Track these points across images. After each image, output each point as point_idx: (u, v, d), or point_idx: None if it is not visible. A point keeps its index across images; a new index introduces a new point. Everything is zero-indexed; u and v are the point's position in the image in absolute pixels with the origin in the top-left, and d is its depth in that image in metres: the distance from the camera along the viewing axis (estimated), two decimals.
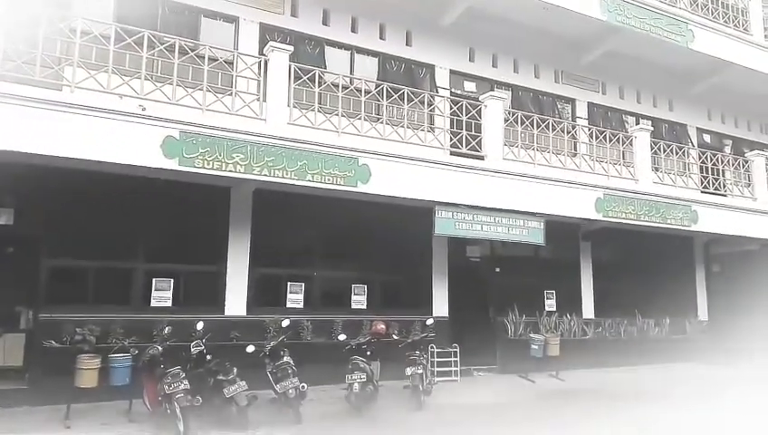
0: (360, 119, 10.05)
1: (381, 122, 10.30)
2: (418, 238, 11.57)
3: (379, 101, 10.60)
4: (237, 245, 10.14)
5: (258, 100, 9.27)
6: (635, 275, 14.88)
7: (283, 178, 8.91)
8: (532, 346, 11.74)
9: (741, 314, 15.81)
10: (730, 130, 17.91)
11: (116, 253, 9.42)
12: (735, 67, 15.19)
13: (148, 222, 9.54)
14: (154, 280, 9.47)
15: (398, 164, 9.95)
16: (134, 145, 7.95)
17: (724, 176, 14.92)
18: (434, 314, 11.46)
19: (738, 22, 15.56)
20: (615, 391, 11.07)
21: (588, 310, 14.04)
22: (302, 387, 7.83)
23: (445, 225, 10.60)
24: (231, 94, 9.17)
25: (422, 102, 10.87)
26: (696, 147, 15.95)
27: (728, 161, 15.18)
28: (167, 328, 8.12)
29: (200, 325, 8.23)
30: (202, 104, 8.68)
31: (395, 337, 10.17)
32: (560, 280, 13.88)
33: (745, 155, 15.63)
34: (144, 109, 8.13)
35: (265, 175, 8.79)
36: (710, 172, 14.48)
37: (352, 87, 10.47)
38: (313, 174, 9.14)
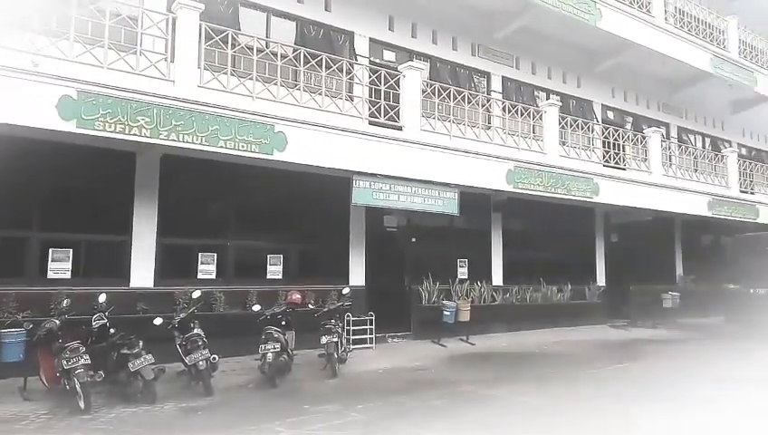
0: (275, 84, 9.74)
1: (298, 89, 10.04)
2: (336, 208, 11.50)
3: (296, 66, 10.31)
4: (143, 213, 9.65)
5: (166, 60, 8.74)
6: (541, 243, 15.70)
7: (193, 143, 8.51)
8: (445, 313, 12.13)
9: (635, 280, 17.16)
10: (631, 108, 19.05)
11: (8, 221, 8.67)
12: (638, 47, 16.07)
13: (43, 188, 8.87)
14: (51, 250, 8.84)
15: (316, 132, 9.78)
16: (26, 105, 7.27)
17: (624, 151, 15.86)
18: (350, 284, 11.56)
19: (642, 3, 16.40)
20: (520, 352, 11.75)
21: (497, 277, 14.65)
22: (213, 359, 7.67)
23: (362, 194, 10.60)
24: (136, 53, 8.57)
25: (341, 70, 10.67)
26: (600, 122, 16.83)
27: (628, 137, 16.18)
28: (65, 301, 7.66)
29: (102, 298, 7.82)
30: (103, 62, 8.05)
31: (311, 307, 10.12)
32: (472, 249, 14.37)
33: (643, 132, 16.71)
34: (37, 65, 7.43)
35: (173, 140, 8.35)
36: (612, 147, 15.37)
37: (268, 51, 10.08)
38: (226, 140, 8.79)
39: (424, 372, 9.60)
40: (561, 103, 15.12)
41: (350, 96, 11.12)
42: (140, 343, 7.17)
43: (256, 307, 9.09)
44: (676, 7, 17.45)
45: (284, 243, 11.29)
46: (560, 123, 14.19)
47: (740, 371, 9.55)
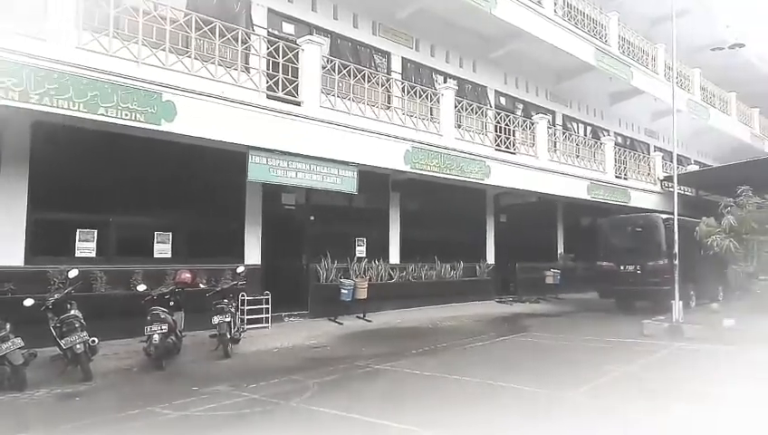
0: (164, 50, 9.14)
1: (189, 56, 9.49)
2: (231, 183, 11.08)
3: (187, 32, 9.70)
4: (11, 185, 8.75)
5: (39, 17, 7.89)
6: (436, 223, 16.18)
7: (69, 109, 7.79)
8: (343, 291, 12.17)
9: (522, 258, 18.20)
10: (522, 95, 20.01)
11: None
12: (529, 36, 16.85)
13: None
14: None
15: (208, 103, 9.31)
16: None
17: (514, 135, 16.65)
18: (246, 262, 11.25)
19: None
20: (415, 327, 12.10)
21: (395, 255, 14.93)
22: (93, 341, 7.17)
23: (258, 170, 10.28)
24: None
25: (236, 40, 10.20)
26: (493, 108, 17.53)
27: (518, 123, 16.99)
28: None
29: None
30: None
31: (202, 286, 9.77)
32: (370, 228, 14.50)
33: (532, 118, 17.62)
34: None
35: (47, 105, 7.61)
36: (503, 132, 16.08)
37: (155, 13, 9.40)
38: (107, 107, 8.14)
39: (320, 349, 9.60)
40: (457, 87, 15.54)
41: (246, 67, 10.71)
42: (8, 326, 6.55)
43: (141, 287, 8.58)
44: (564, 0, 18.44)
45: (174, 219, 10.72)
46: (456, 107, 14.60)
47: (608, 338, 10.46)
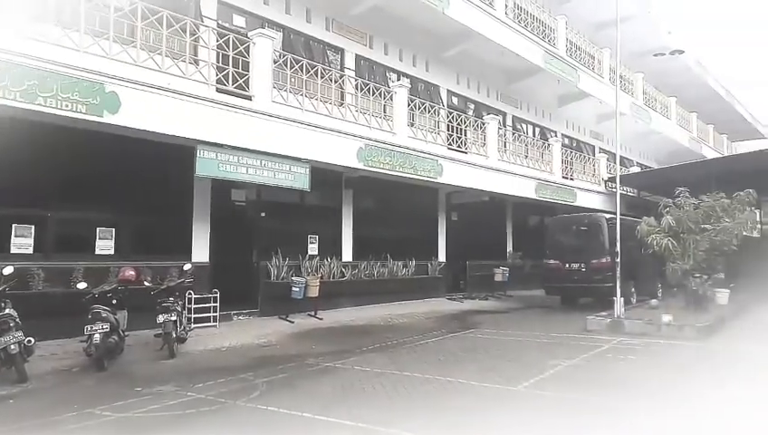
0: (108, 39, 8.80)
1: (135, 47, 9.19)
2: (178, 179, 10.81)
3: (132, 21, 9.39)
4: None
5: None
6: (389, 221, 16.25)
7: (4, 98, 7.42)
8: (294, 288, 12.05)
9: (472, 256, 18.49)
10: (473, 95, 20.32)
11: None
12: (481, 37, 17.11)
13: None
14: None
15: (155, 96, 9.05)
16: None
17: (465, 135, 16.90)
18: (193, 260, 11.00)
19: None
20: (367, 325, 12.11)
21: (347, 253, 14.90)
22: (29, 342, 6.86)
23: (207, 165, 10.06)
24: None
25: (184, 31, 9.93)
26: (445, 107, 17.72)
27: (470, 123, 17.24)
28: None
29: None
30: None
31: (147, 284, 9.48)
32: (323, 225, 14.43)
33: (483, 118, 17.92)
34: None
35: None
36: (455, 131, 16.29)
37: (99, 1, 9.04)
38: (46, 97, 7.80)
39: (270, 348, 9.49)
40: (410, 86, 15.62)
41: (194, 60, 10.45)
42: None
43: (82, 285, 8.27)
44: (515, 2, 18.82)
45: (118, 215, 10.37)
46: (409, 105, 14.69)
47: (553, 333, 10.76)
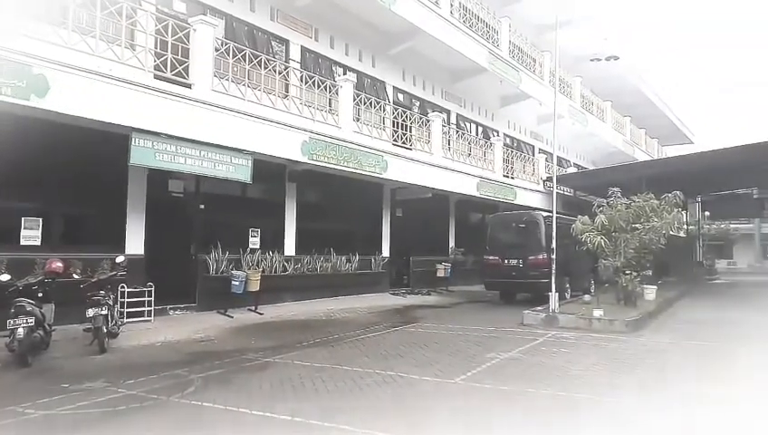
0: (36, 20, 8.31)
1: (66, 28, 8.71)
2: (112, 167, 10.36)
3: (64, 1, 8.89)
4: None
5: None
6: (333, 215, 16.17)
7: None
8: (234, 283, 11.80)
9: (415, 251, 18.67)
10: (419, 92, 20.47)
11: None
12: (426, 35, 17.25)
13: None
14: None
15: (87, 80, 8.61)
16: None
17: (410, 132, 17.02)
18: (127, 252, 10.58)
19: None
20: (308, 319, 12.01)
21: (290, 247, 14.72)
22: None
23: (142, 154, 9.67)
24: None
25: (119, 14, 9.51)
26: (391, 103, 17.78)
27: (415, 119, 17.37)
28: None
29: None
30: None
31: (76, 277, 9.04)
32: (265, 218, 14.20)
33: (428, 115, 18.10)
34: None
35: None
36: (400, 127, 16.38)
37: None
38: None
39: (207, 343, 9.25)
40: (356, 81, 15.58)
41: (131, 44, 10.01)
42: None
43: (5, 277, 7.78)
44: (460, 2, 19.08)
45: (46, 204, 9.85)
46: (354, 100, 14.65)
47: (492, 327, 11.02)
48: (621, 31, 28.49)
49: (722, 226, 48.68)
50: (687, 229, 34.31)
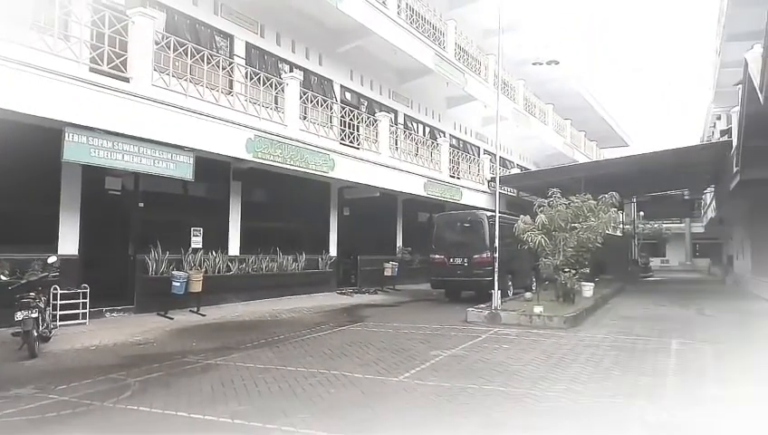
0: None
1: None
2: (44, 163, 9.87)
3: None
4: None
5: None
6: (279, 214, 15.99)
7: None
8: (174, 283, 11.48)
9: (363, 251, 18.67)
10: (366, 92, 20.51)
11: None
12: (374, 35, 17.29)
13: None
14: None
15: (16, 71, 8.18)
16: None
17: (358, 131, 17.03)
18: (60, 252, 10.12)
19: None
20: (253, 320, 11.82)
21: (234, 247, 14.45)
22: None
23: (76, 150, 9.28)
24: None
25: (52, 3, 9.07)
26: (338, 102, 17.73)
27: (362, 119, 17.38)
28: None
29: None
30: None
31: (4, 278, 8.57)
32: (208, 217, 13.88)
33: (375, 115, 18.15)
34: None
35: None
36: (348, 126, 16.35)
37: None
38: None
39: (146, 346, 8.96)
40: (303, 78, 15.46)
41: (65, 35, 9.57)
42: None
43: None
44: (407, 4, 19.22)
45: None
46: (301, 98, 14.52)
47: (436, 325, 11.18)
48: (562, 37, 29.39)
49: (655, 225, 51.19)
50: (623, 229, 35.85)
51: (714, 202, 32.13)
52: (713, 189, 29.08)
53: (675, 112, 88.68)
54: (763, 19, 9.08)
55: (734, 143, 15.81)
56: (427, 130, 24.64)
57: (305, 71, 17.17)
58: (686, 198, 37.03)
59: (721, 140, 20.95)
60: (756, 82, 10.32)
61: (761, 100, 10.25)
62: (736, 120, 15.20)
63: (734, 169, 16.74)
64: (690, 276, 37.83)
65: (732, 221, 29.15)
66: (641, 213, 41.16)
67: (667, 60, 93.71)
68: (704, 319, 12.88)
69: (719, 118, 29.02)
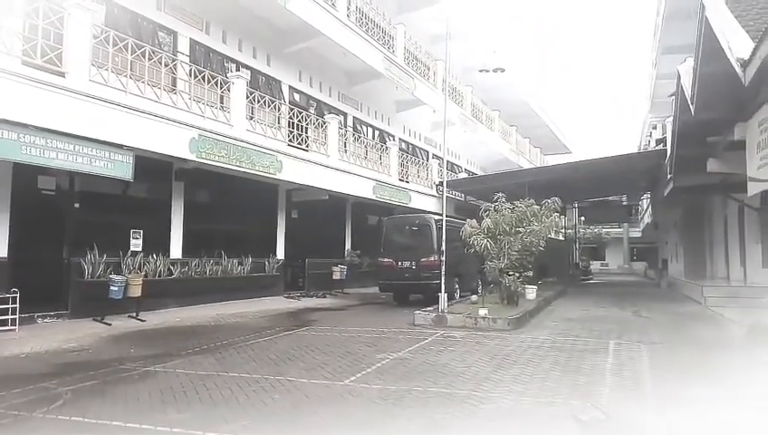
0: None
1: None
2: None
3: None
4: None
5: None
6: (224, 216, 15.65)
7: None
8: (112, 288, 11.05)
9: (311, 254, 18.50)
10: (316, 94, 20.39)
11: None
12: (323, 36, 17.22)
13: None
14: None
15: None
16: None
17: (307, 133, 16.88)
18: None
19: None
20: (195, 325, 11.48)
21: (176, 250, 14.04)
22: None
23: (6, 147, 8.80)
24: None
25: None
26: (287, 103, 17.54)
27: (311, 120, 17.25)
28: None
29: None
30: None
31: None
32: (149, 219, 13.44)
33: (324, 117, 18.05)
34: None
35: None
36: (296, 128, 16.19)
37: None
38: None
39: (80, 353, 8.56)
40: (250, 78, 15.20)
41: None
42: None
43: None
44: (357, 7, 19.24)
45: None
46: (248, 97, 14.28)
47: (384, 328, 11.19)
48: (511, 44, 30.15)
49: (596, 230, 53.11)
50: (565, 233, 37.01)
51: (650, 208, 33.69)
52: (649, 196, 30.47)
53: (615, 121, 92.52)
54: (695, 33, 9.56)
55: (669, 152, 16.58)
56: (377, 133, 24.71)
57: (253, 70, 16.89)
58: (625, 203, 38.63)
59: (656, 148, 21.98)
60: (688, 94, 10.86)
61: (692, 111, 10.79)
62: (670, 129, 15.94)
63: (668, 177, 17.58)
64: (628, 279, 39.41)
65: (666, 226, 30.64)
66: (582, 218, 42.60)
67: (613, 69, 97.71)
68: (640, 320, 13.41)
69: (655, 127, 30.47)
